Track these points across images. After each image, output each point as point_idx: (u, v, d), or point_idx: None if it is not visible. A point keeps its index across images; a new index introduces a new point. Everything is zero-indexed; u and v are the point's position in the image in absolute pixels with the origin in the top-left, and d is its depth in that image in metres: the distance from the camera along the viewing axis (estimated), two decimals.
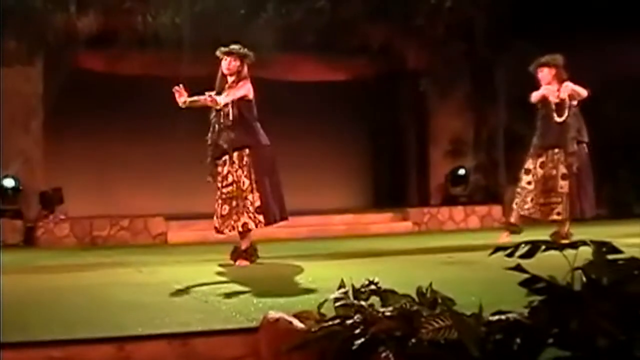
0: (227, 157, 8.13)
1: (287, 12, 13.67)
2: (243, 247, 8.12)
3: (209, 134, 8.28)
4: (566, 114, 9.31)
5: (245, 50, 8.31)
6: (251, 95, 8.19)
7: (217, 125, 8.22)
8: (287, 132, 13.23)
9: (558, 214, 9.44)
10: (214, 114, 8.25)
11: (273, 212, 8.13)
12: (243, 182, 8.05)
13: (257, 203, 8.03)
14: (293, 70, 14.72)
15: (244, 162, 8.09)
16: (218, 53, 8.33)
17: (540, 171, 9.51)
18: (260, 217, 8.06)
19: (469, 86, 15.63)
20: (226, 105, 8.10)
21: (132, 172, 15.23)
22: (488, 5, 14.30)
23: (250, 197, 8.03)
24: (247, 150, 8.10)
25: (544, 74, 9.48)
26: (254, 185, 8.04)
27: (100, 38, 13.29)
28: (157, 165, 15.06)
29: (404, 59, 15.41)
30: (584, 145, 9.49)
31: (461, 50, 14.96)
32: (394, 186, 16.61)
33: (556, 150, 9.44)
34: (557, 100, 9.29)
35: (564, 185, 9.39)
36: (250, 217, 8.03)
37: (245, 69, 8.27)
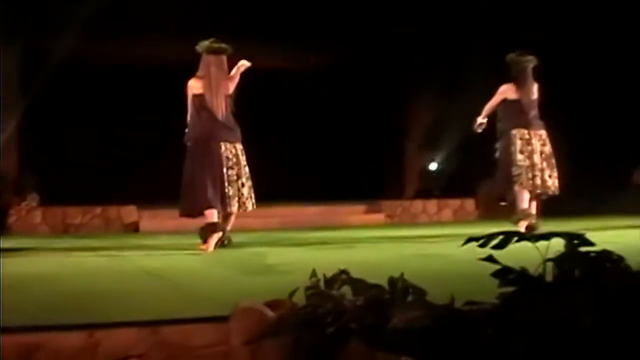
0: None
1: None
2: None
3: None
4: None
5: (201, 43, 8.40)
6: (196, 91, 8.32)
7: None
8: (260, 122, 13.21)
9: None
10: None
11: (182, 205, 8.44)
12: None
13: None
14: (262, 58, 14.62)
15: None
16: None
17: None
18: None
19: (443, 78, 15.59)
20: None
21: (106, 160, 15.12)
22: None
23: None
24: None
25: None
26: None
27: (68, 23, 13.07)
28: (130, 154, 14.94)
29: (377, 49, 15.35)
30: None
31: (436, 41, 14.92)
32: (367, 179, 16.58)
33: None
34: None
35: None
36: None
37: (203, 62, 8.37)
